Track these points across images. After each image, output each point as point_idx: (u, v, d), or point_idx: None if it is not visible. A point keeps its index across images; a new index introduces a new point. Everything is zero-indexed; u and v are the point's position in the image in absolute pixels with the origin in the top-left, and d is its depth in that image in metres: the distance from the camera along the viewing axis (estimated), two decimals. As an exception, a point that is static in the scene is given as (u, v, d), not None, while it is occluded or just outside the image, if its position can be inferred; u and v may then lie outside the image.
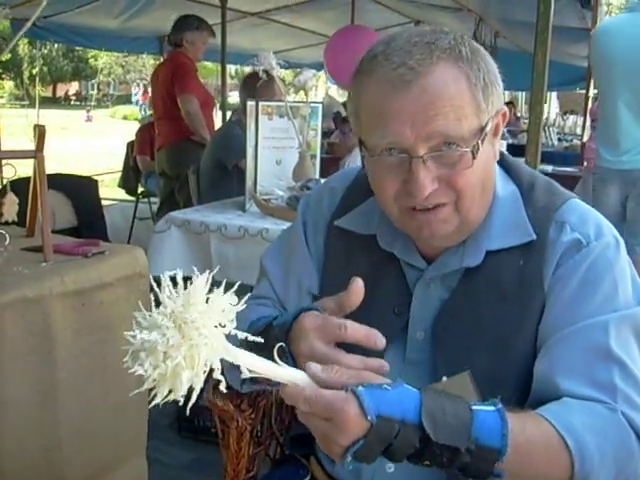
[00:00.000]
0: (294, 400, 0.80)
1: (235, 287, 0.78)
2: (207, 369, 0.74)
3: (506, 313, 1.04)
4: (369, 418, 0.77)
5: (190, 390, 0.74)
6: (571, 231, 1.03)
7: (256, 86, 3.22)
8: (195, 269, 0.76)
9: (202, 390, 0.76)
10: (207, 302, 0.75)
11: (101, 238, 2.12)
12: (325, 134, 5.96)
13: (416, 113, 0.93)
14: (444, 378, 0.82)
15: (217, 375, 0.75)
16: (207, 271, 0.78)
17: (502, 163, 1.13)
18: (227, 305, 0.76)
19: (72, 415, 1.82)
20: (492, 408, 0.83)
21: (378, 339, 0.89)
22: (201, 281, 0.76)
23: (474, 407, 0.82)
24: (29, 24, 1.78)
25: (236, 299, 0.77)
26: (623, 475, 0.91)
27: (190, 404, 0.75)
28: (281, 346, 0.81)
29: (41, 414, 1.75)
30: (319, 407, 0.78)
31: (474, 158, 0.95)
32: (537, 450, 0.85)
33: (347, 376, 0.81)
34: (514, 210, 1.07)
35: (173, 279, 0.77)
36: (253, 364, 0.79)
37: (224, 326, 0.75)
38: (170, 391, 0.74)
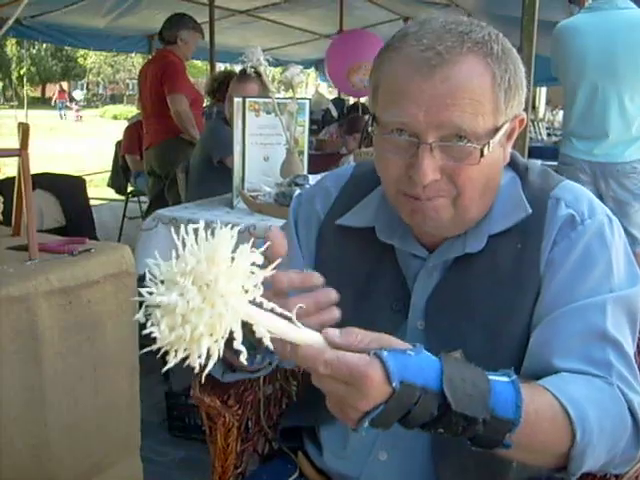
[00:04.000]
0: (313, 362, 0.76)
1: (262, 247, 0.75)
2: (227, 335, 0.71)
3: (501, 298, 1.04)
4: (393, 384, 0.75)
5: (207, 357, 0.70)
6: (566, 207, 1.04)
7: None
8: (218, 222, 0.72)
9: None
10: (232, 260, 0.71)
11: (89, 237, 2.11)
12: (314, 131, 5.96)
13: (433, 99, 0.92)
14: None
15: (237, 345, 0.71)
16: (230, 225, 0.73)
17: None
18: (252, 267, 0.72)
19: (61, 414, 1.81)
20: (507, 379, 0.83)
21: (315, 278, 0.85)
22: (225, 235, 0.72)
23: (490, 377, 0.82)
24: (10, 22, 1.77)
25: (262, 258, 0.73)
26: (616, 448, 0.92)
27: (206, 372, 0.71)
28: (300, 307, 0.77)
29: (29, 413, 1.74)
30: (341, 370, 0.75)
31: (482, 156, 0.94)
32: (544, 421, 0.85)
33: (368, 340, 0.78)
34: (513, 192, 1.07)
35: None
36: (268, 322, 0.75)
37: (247, 291, 0.71)
38: (186, 356, 0.70)
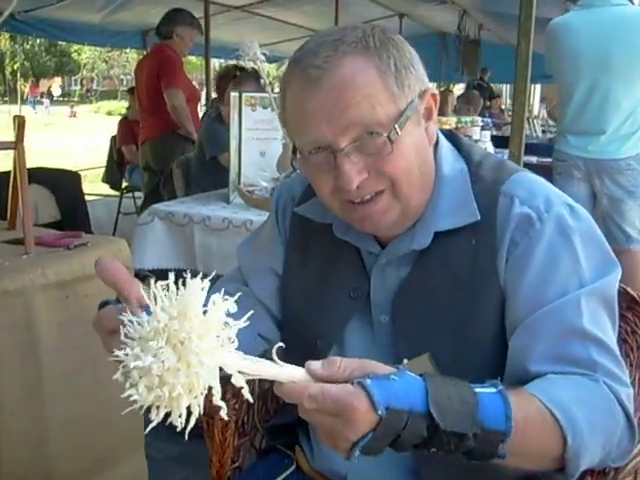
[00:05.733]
0: (297, 398, 0.76)
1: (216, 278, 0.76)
2: (206, 391, 0.71)
3: (461, 295, 1.03)
4: (379, 412, 0.75)
5: (188, 414, 0.71)
6: (520, 205, 1.02)
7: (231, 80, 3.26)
8: (183, 265, 0.71)
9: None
10: (204, 313, 0.71)
11: (85, 231, 2.10)
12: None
13: (328, 109, 0.96)
14: (405, 361, 0.81)
15: (217, 401, 0.71)
16: (201, 273, 0.73)
17: (454, 141, 1.13)
18: (225, 317, 0.72)
19: (60, 410, 1.80)
20: (494, 390, 0.83)
21: None
22: (196, 286, 0.71)
23: (477, 390, 0.82)
24: (5, 14, 1.76)
25: (235, 306, 0.73)
26: (610, 443, 0.91)
27: (189, 428, 0.72)
28: (280, 347, 0.77)
29: (26, 409, 1.73)
30: (327, 404, 0.75)
31: (391, 143, 0.96)
32: (534, 428, 0.85)
33: (351, 369, 0.78)
34: (461, 188, 1.06)
35: (158, 275, 0.73)
36: (248, 367, 0.75)
37: (222, 345, 0.71)
38: (167, 414, 0.70)
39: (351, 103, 0.95)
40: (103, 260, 0.85)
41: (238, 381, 0.74)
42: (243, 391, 0.74)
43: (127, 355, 0.70)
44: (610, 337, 0.98)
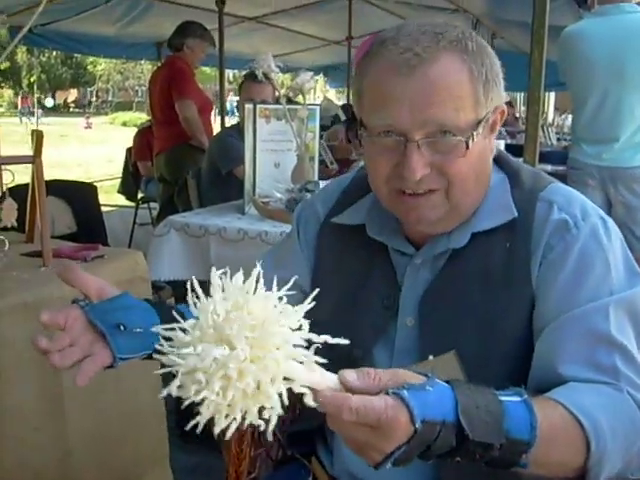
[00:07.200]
0: (337, 409, 0.72)
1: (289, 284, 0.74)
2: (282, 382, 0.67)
3: (492, 295, 1.04)
4: (417, 425, 0.74)
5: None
6: (559, 211, 1.04)
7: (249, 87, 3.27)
8: (199, 277, 0.70)
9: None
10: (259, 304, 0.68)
11: (101, 243, 2.12)
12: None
13: (416, 98, 0.96)
14: (430, 357, 0.81)
15: (299, 387, 0.68)
16: (241, 270, 0.72)
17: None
18: (284, 305, 0.69)
19: (82, 424, 1.80)
20: (519, 399, 0.82)
21: None
22: (239, 278, 0.69)
23: (502, 398, 0.81)
24: (25, 30, 1.79)
25: (285, 298, 0.72)
26: (631, 452, 0.91)
27: (271, 427, 0.68)
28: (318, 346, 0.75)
29: (48, 423, 1.73)
30: (368, 416, 0.72)
31: (467, 148, 0.97)
32: (558, 436, 0.85)
33: (385, 380, 0.77)
34: (501, 193, 1.09)
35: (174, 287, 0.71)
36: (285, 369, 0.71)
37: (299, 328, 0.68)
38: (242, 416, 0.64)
39: (439, 100, 0.95)
40: (60, 267, 0.96)
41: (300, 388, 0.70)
42: (305, 397, 0.71)
43: (182, 358, 0.63)
44: (634, 347, 0.99)
